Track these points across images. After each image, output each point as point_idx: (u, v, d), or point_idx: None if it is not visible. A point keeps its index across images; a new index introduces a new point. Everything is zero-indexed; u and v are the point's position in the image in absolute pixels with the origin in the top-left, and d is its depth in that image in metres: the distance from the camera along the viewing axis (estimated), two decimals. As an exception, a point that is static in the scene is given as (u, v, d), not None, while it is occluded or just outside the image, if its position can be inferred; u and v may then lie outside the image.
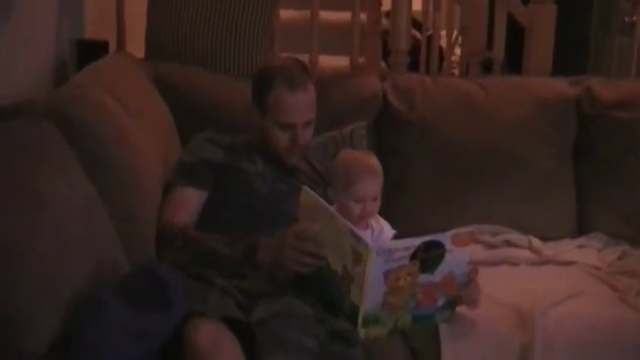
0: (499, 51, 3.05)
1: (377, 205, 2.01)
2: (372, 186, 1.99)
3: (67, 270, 1.55)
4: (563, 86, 2.67)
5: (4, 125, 1.78)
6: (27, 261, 1.45)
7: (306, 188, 1.88)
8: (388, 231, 2.05)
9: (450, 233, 1.79)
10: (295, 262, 1.83)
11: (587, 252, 2.45)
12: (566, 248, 2.46)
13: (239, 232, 1.98)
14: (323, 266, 1.81)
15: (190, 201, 2.13)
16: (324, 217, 1.82)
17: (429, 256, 1.77)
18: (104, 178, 1.88)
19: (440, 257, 1.78)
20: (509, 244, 2.45)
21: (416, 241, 1.74)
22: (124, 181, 1.95)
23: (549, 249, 2.44)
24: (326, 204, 1.84)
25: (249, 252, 1.91)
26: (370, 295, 1.74)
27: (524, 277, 2.29)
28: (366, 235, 1.86)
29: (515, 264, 2.36)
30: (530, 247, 2.43)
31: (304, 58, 2.56)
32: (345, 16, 3.42)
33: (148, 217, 2.03)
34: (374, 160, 2.05)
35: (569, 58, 3.48)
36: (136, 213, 1.98)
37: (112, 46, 2.86)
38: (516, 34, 3.10)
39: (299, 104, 2.15)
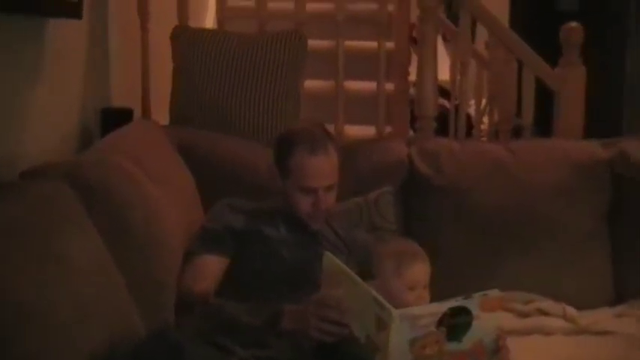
0: (528, 117, 3.02)
1: (427, 292, 1.95)
2: (424, 271, 1.94)
3: (85, 332, 1.53)
4: (595, 148, 2.62)
5: (25, 186, 1.79)
6: (50, 321, 1.44)
7: (328, 254, 1.83)
8: None
9: (477, 297, 1.72)
10: (319, 330, 1.77)
11: (626, 321, 2.35)
12: (603, 317, 2.36)
13: (261, 299, 1.93)
14: (347, 334, 1.75)
15: (211, 268, 2.09)
16: (346, 283, 1.77)
17: (456, 323, 1.69)
18: (123, 242, 1.86)
19: (468, 324, 1.71)
20: (541, 312, 2.36)
21: (442, 307, 1.67)
22: (143, 247, 1.92)
23: (585, 318, 2.34)
24: (348, 270, 1.78)
25: (272, 320, 1.86)
26: (395, 364, 1.66)
27: (558, 347, 2.20)
28: None
29: (548, 333, 2.27)
30: (564, 316, 2.34)
31: (330, 128, 2.55)
32: (371, 85, 3.42)
33: (168, 284, 1.99)
34: (418, 246, 2.00)
35: (602, 120, 3.43)
36: (156, 279, 1.94)
37: (137, 114, 2.88)
38: (547, 97, 3.07)
39: (320, 168, 2.11)
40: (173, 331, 1.78)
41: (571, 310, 2.37)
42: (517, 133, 3.22)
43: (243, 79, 2.71)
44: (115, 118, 2.65)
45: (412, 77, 3.68)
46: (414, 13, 3.27)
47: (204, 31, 3.28)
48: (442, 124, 3.38)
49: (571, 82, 2.96)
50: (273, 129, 2.67)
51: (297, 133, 2.17)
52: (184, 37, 2.81)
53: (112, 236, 1.82)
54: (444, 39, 4.45)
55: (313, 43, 2.97)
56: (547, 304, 2.39)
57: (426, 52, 2.98)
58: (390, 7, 3.76)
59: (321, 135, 2.15)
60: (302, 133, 2.16)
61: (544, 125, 3.16)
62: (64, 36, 2.34)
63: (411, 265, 1.92)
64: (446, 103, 3.86)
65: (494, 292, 1.76)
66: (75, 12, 2.27)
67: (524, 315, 2.35)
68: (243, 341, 1.82)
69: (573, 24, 2.97)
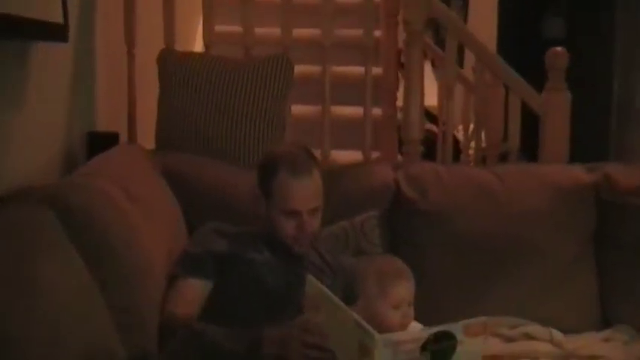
0: (514, 142, 3.03)
1: (412, 310, 1.94)
2: (408, 289, 1.93)
3: (61, 357, 1.49)
4: (579, 173, 2.62)
5: (3, 209, 1.76)
6: (24, 347, 1.41)
7: (310, 278, 1.81)
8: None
9: (461, 323, 1.71)
10: (302, 356, 1.75)
11: (612, 346, 2.34)
12: (590, 341, 2.35)
13: (244, 324, 1.90)
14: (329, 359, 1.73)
15: (194, 292, 2.06)
16: (329, 307, 1.75)
17: (440, 348, 1.68)
18: (104, 267, 1.83)
19: (452, 349, 1.69)
20: (528, 337, 2.34)
21: (426, 332, 1.66)
22: (125, 271, 1.89)
23: (572, 342, 2.33)
24: (331, 294, 1.77)
25: (253, 346, 1.83)
26: (379, 390, 1.64)
27: (546, 371, 2.18)
28: None
29: (535, 358, 2.25)
30: (551, 340, 2.33)
31: (317, 153, 2.54)
32: (359, 110, 3.43)
33: (150, 309, 1.97)
34: (403, 264, 1.99)
35: (589, 145, 3.44)
36: (138, 304, 1.91)
37: (123, 138, 2.86)
38: (534, 122, 3.08)
39: (304, 191, 2.09)
40: (154, 358, 1.76)
41: (558, 335, 2.35)
42: (504, 157, 3.23)
43: (228, 103, 2.70)
44: (100, 142, 2.64)
45: (400, 102, 3.70)
46: (402, 38, 3.28)
47: (190, 54, 3.28)
48: (430, 149, 3.38)
49: (556, 106, 2.97)
50: (258, 153, 2.66)
51: (280, 156, 2.15)
52: (170, 60, 2.81)
53: (93, 261, 1.79)
54: (433, 65, 4.48)
55: (300, 68, 2.98)
56: (533, 328, 2.37)
57: (413, 75, 2.98)
58: (377, 33, 3.78)
59: (304, 157, 2.14)
60: (285, 155, 2.15)
61: (531, 150, 3.16)
62: (50, 59, 2.33)
63: (394, 283, 1.90)
64: (434, 127, 3.87)
65: (479, 319, 1.75)
66: (61, 35, 2.26)
67: (510, 340, 2.33)
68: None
69: (558, 49, 2.99)
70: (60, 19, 2.24)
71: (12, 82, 2.12)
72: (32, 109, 2.22)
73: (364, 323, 1.66)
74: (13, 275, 1.50)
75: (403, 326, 1.89)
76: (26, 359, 1.41)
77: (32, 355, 1.42)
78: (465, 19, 5.47)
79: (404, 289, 1.91)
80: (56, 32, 2.23)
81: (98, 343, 1.67)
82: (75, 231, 1.79)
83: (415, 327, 1.95)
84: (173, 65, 2.78)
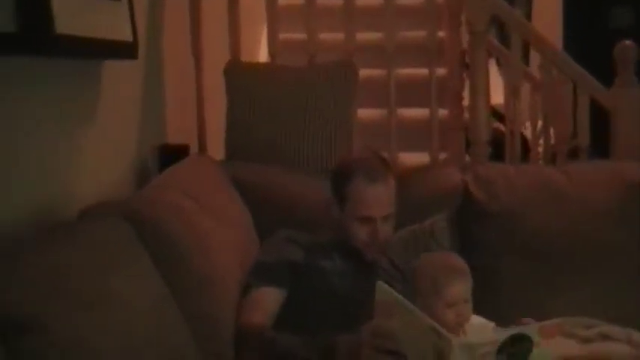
0: (584, 138, 2.98)
1: (470, 307, 1.91)
2: (462, 286, 1.90)
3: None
4: (652, 170, 2.56)
5: (83, 224, 1.83)
6: (101, 357, 1.45)
7: (381, 284, 1.81)
8: (489, 327, 1.93)
9: (536, 325, 1.70)
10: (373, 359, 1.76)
11: (694, 345, 2.28)
12: (669, 342, 2.29)
13: (317, 331, 1.93)
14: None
15: (268, 301, 2.09)
16: (401, 312, 1.75)
17: (515, 351, 1.67)
18: (179, 277, 1.88)
19: (528, 351, 1.69)
20: (605, 337, 2.30)
21: (502, 335, 1.65)
22: (199, 281, 1.94)
23: (651, 343, 2.28)
24: (403, 299, 1.77)
25: (326, 353, 1.85)
26: (455, 393, 1.65)
27: (624, 373, 2.13)
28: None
29: (613, 359, 2.21)
30: (629, 342, 2.28)
31: (384, 156, 2.55)
32: (425, 112, 3.42)
33: (225, 317, 2.01)
34: (459, 260, 1.97)
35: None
36: (213, 313, 1.96)
37: (194, 150, 2.92)
38: (605, 117, 3.03)
39: (378, 197, 2.11)
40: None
41: (636, 335, 2.30)
42: (574, 154, 3.18)
43: (295, 111, 2.73)
44: (172, 154, 2.70)
45: (466, 102, 3.68)
46: (466, 39, 3.27)
47: (256, 65, 3.34)
48: (497, 148, 3.36)
49: (626, 101, 2.92)
50: (326, 160, 2.69)
51: (356, 162, 2.17)
52: (237, 72, 2.86)
53: (168, 272, 1.84)
54: (498, 63, 4.43)
55: (364, 72, 2.99)
56: (610, 328, 2.32)
57: (478, 77, 2.97)
58: (441, 34, 3.77)
59: (379, 164, 2.16)
60: (360, 162, 2.17)
61: (603, 145, 3.11)
62: (121, 76, 2.40)
63: (448, 282, 1.88)
64: (501, 126, 3.84)
65: (553, 320, 1.74)
66: (130, 53, 2.33)
67: (586, 340, 2.29)
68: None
69: (627, 42, 2.93)
70: (129, 38, 2.30)
71: (86, 100, 2.20)
72: (105, 125, 2.29)
73: (439, 327, 1.66)
74: (92, 288, 1.55)
75: (458, 325, 1.87)
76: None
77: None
78: (530, 13, 5.40)
79: (458, 288, 1.88)
80: (126, 50, 2.30)
81: (174, 353, 1.70)
82: (150, 243, 1.85)
83: (476, 321, 1.93)
84: (240, 76, 2.82)
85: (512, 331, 1.67)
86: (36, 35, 1.70)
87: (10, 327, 1.30)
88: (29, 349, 1.29)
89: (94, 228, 1.77)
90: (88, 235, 1.73)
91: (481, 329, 1.91)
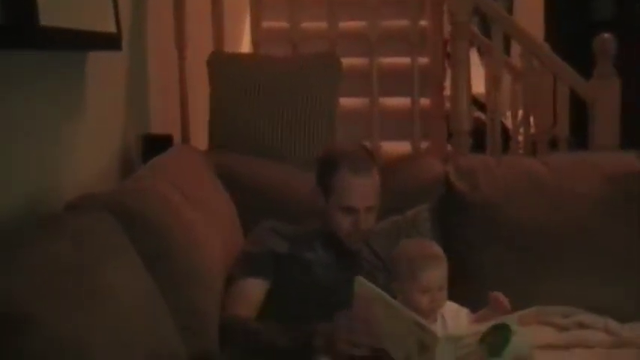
0: (563, 129, 3.02)
1: (444, 294, 1.94)
2: (437, 273, 1.92)
3: (126, 360, 1.55)
4: (631, 160, 2.59)
5: (67, 218, 1.81)
6: (90, 352, 1.44)
7: (360, 279, 1.83)
8: (463, 314, 1.97)
9: (516, 315, 1.74)
10: (347, 342, 1.79)
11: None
12: (646, 329, 2.34)
13: (300, 321, 1.95)
14: (376, 346, 1.76)
15: (253, 293, 2.11)
16: (382, 306, 1.77)
17: (496, 340, 1.71)
18: (165, 270, 1.88)
19: (507, 340, 1.72)
20: (582, 326, 2.34)
21: (483, 326, 1.69)
22: (185, 274, 1.94)
23: (628, 331, 2.31)
24: (384, 293, 1.79)
25: (305, 340, 1.88)
26: (439, 384, 1.68)
27: (600, 361, 2.17)
28: (436, 326, 1.82)
29: (589, 347, 2.24)
30: (605, 329, 2.32)
31: (366, 145, 2.57)
32: (407, 101, 3.45)
33: (210, 310, 2.02)
34: (435, 247, 2.00)
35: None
36: (198, 306, 1.97)
37: (177, 140, 2.93)
38: (584, 106, 3.06)
39: (363, 189, 2.14)
40: (216, 359, 1.81)
41: (613, 323, 2.34)
42: (554, 143, 3.22)
43: (278, 102, 2.75)
44: (155, 145, 2.70)
45: (448, 92, 3.71)
46: (448, 28, 3.29)
47: (239, 55, 3.35)
48: (479, 137, 3.39)
49: (605, 93, 2.95)
50: (309, 151, 2.71)
51: (342, 153, 2.20)
52: (220, 62, 2.87)
53: (153, 264, 1.83)
54: (479, 52, 4.47)
55: (347, 60, 3.01)
56: (587, 316, 2.36)
57: (459, 68, 3.00)
58: (423, 23, 3.79)
59: (365, 156, 2.18)
60: (346, 152, 2.19)
61: (582, 135, 3.15)
62: (105, 67, 2.40)
63: (423, 267, 1.90)
64: (482, 115, 3.87)
65: (531, 309, 1.78)
66: (114, 44, 2.33)
67: (564, 329, 2.33)
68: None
69: (606, 35, 2.97)
70: (113, 29, 2.30)
71: (70, 92, 2.20)
72: (90, 116, 2.29)
73: (422, 321, 1.69)
74: (79, 281, 1.54)
75: (432, 311, 1.89)
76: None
77: (98, 360, 1.46)
78: (512, 4, 5.42)
79: (433, 273, 1.90)
80: (110, 41, 2.30)
81: (162, 346, 1.71)
82: (135, 235, 1.84)
83: (450, 307, 1.95)
84: (223, 67, 2.83)
85: (493, 321, 1.70)
86: (21, 28, 1.70)
87: (4, 323, 1.29)
88: (21, 348, 1.28)
89: (80, 222, 1.76)
90: (72, 228, 1.71)
91: (456, 315, 1.94)
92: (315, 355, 1.86)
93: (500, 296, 1.88)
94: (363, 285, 1.82)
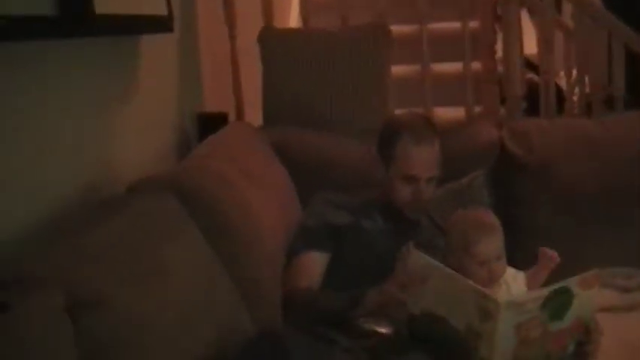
0: (619, 86, 2.97)
1: (503, 263, 1.90)
2: (493, 244, 1.88)
3: (190, 338, 1.59)
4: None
5: (130, 198, 1.87)
6: (154, 332, 1.49)
7: (414, 251, 1.82)
8: (520, 278, 1.94)
9: (576, 278, 1.74)
10: (398, 302, 1.80)
11: None
12: None
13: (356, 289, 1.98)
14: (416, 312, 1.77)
15: (314, 266, 2.14)
16: (438, 276, 1.76)
17: (557, 304, 1.71)
18: (226, 243, 1.92)
19: (569, 303, 1.72)
20: (645, 287, 2.33)
21: (545, 291, 1.69)
22: (245, 245, 1.98)
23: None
24: (440, 264, 1.78)
25: (354, 302, 1.91)
26: (501, 350, 1.69)
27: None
28: (501, 293, 1.82)
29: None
30: (669, 290, 2.31)
31: (419, 111, 2.57)
32: (458, 66, 3.42)
33: (271, 279, 2.06)
34: (489, 217, 1.94)
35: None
36: (259, 275, 2.00)
37: (232, 117, 2.96)
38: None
39: (424, 158, 2.15)
40: (280, 329, 1.84)
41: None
42: (609, 102, 3.17)
43: (330, 75, 2.76)
44: (210, 123, 2.75)
45: (499, 54, 3.67)
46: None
47: (289, 30, 3.36)
48: (532, 99, 3.35)
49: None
50: (364, 122, 2.72)
51: (404, 122, 2.21)
52: (270, 39, 2.88)
53: (214, 239, 1.88)
54: (530, 12, 4.39)
55: (396, 28, 3.00)
56: (650, 277, 2.35)
57: (510, 31, 2.96)
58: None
59: (426, 126, 2.19)
60: (408, 122, 2.20)
61: (638, 92, 3.10)
62: (157, 49, 2.44)
63: (477, 239, 1.86)
64: (535, 77, 3.82)
65: (592, 271, 1.77)
66: (166, 26, 2.37)
67: (626, 290, 2.32)
68: (347, 333, 1.84)
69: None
70: (164, 11, 2.34)
71: (124, 76, 2.24)
72: (145, 98, 2.34)
73: (483, 289, 1.68)
74: (144, 261, 1.59)
75: (491, 282, 1.86)
76: (160, 342, 1.48)
77: (165, 337, 1.50)
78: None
79: (487, 246, 1.86)
80: (162, 24, 2.34)
81: (227, 319, 1.76)
82: (196, 213, 1.88)
83: (509, 272, 1.92)
84: (274, 43, 2.85)
85: (555, 285, 1.70)
86: (78, 17, 1.75)
87: (79, 305, 1.33)
88: (96, 327, 1.33)
89: (142, 203, 1.81)
90: (136, 209, 1.77)
91: (513, 280, 1.94)
92: (363, 317, 1.88)
93: (548, 251, 1.87)
94: (417, 256, 1.81)
